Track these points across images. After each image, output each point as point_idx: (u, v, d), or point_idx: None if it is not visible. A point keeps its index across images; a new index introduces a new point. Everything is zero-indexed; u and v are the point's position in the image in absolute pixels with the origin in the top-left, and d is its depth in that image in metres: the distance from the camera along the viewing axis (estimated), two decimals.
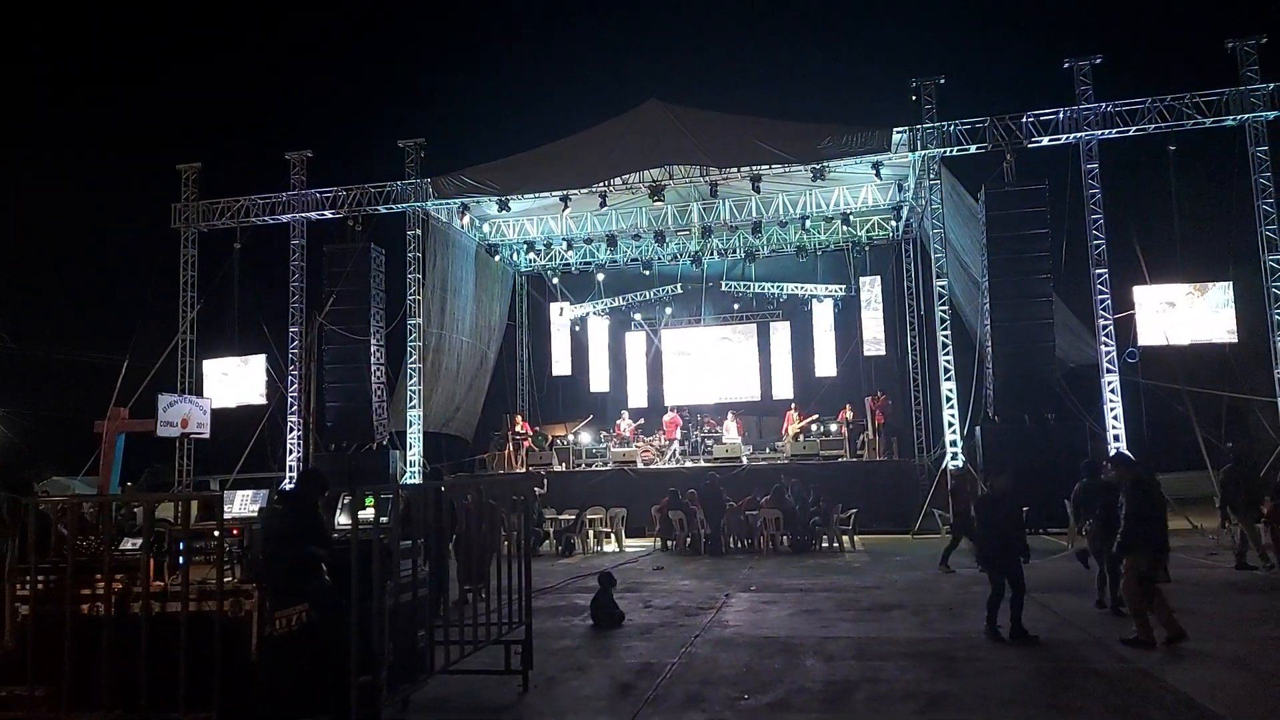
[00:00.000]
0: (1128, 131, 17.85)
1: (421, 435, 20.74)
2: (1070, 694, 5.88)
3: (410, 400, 20.71)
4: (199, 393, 20.80)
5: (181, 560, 4.91)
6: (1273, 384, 16.89)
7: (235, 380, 21.29)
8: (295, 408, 21.21)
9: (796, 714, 5.65)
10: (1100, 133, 17.90)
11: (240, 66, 44.49)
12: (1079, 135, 17.96)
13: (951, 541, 12.87)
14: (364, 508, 5.87)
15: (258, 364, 21.25)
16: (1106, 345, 17.59)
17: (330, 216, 21.32)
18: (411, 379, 20.78)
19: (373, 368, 20.90)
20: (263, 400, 21.05)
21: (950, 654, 7.03)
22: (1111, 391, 17.49)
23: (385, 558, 5.14)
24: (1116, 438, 17.39)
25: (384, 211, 21.21)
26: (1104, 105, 17.91)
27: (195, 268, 21.77)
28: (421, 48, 46.99)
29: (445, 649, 5.92)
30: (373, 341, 20.91)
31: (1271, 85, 17.19)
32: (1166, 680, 6.10)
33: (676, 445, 21.74)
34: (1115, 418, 17.46)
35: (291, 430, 21.20)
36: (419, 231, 21.01)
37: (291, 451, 21.12)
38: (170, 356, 20.97)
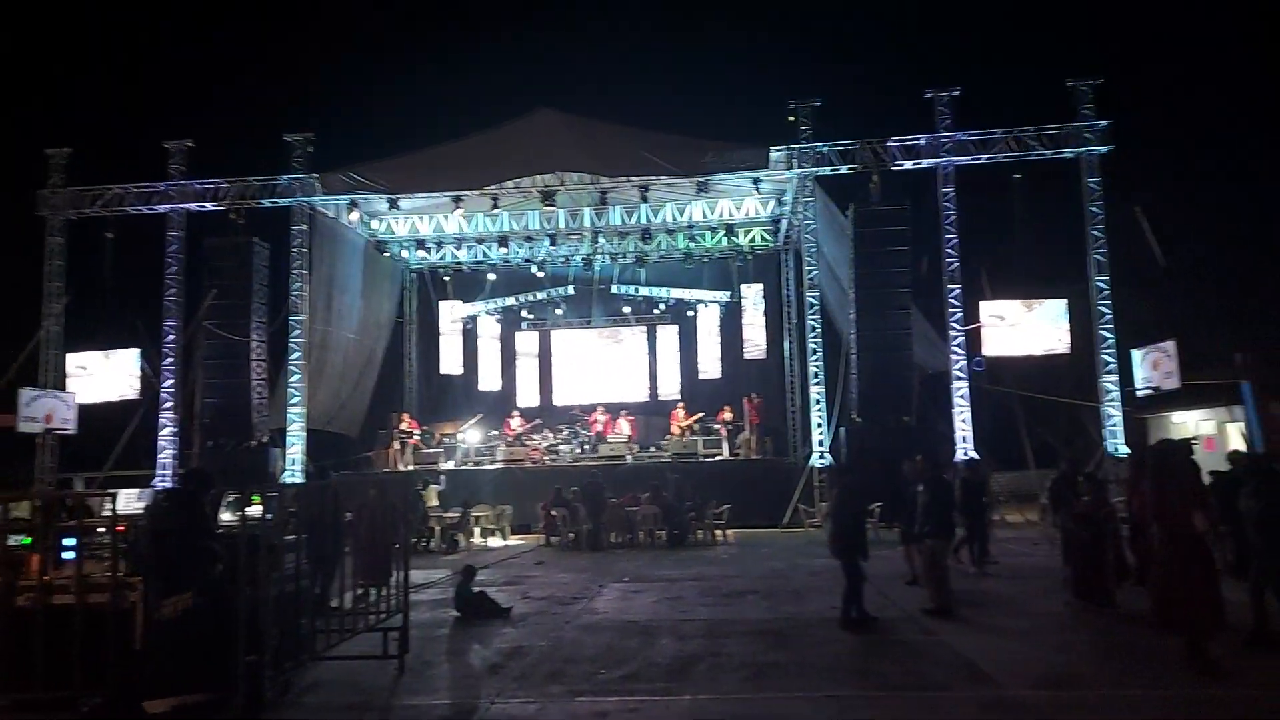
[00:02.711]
0: (980, 159, 19.55)
1: (304, 433, 20.59)
2: (876, 660, 6.91)
3: (292, 398, 20.49)
4: (63, 387, 20.00)
5: (75, 555, 5.21)
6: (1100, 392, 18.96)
7: (98, 375, 20.52)
8: (171, 404, 20.65)
9: (644, 684, 6.42)
10: (956, 159, 19.53)
11: (118, 49, 42.17)
12: (937, 160, 19.51)
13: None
14: (250, 505, 6.27)
15: (123, 358, 20.53)
16: (956, 355, 19.22)
17: (211, 209, 20.84)
18: (294, 376, 20.57)
19: (254, 364, 20.58)
20: (135, 396, 20.42)
21: (787, 632, 7.98)
22: (960, 397, 19.13)
23: (269, 552, 5.58)
24: (964, 439, 19.12)
25: (269, 205, 20.88)
26: (960, 134, 19.51)
27: (63, 257, 20.88)
28: (311, 41, 45.72)
29: (325, 635, 6.39)
30: (254, 338, 20.58)
31: (1104, 122, 19.14)
32: (956, 648, 7.20)
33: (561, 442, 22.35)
34: (964, 421, 19.13)
35: (165, 427, 20.62)
36: (305, 226, 20.82)
37: (165, 449, 20.56)
38: (34, 349, 20.07)
